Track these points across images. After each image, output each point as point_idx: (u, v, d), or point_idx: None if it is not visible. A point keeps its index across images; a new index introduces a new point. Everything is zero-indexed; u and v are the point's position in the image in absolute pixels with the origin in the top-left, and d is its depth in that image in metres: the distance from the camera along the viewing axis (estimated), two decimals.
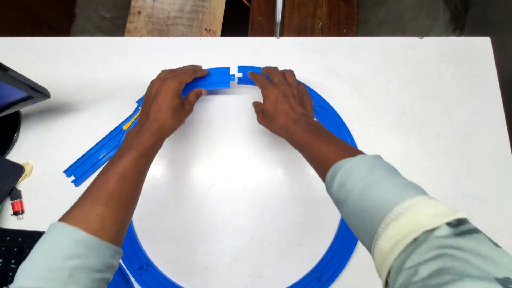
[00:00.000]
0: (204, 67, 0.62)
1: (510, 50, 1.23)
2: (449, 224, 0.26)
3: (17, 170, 0.57)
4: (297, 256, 0.54)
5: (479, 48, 0.62)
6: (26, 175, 0.58)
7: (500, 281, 0.21)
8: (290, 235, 0.55)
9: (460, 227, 0.26)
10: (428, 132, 0.59)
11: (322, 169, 0.40)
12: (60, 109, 0.61)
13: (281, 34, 1.05)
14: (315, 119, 0.49)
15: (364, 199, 0.32)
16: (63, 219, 0.36)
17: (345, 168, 0.35)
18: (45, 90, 0.52)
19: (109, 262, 0.36)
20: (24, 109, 0.61)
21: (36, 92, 0.50)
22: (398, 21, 1.59)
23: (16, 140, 0.60)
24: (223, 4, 1.03)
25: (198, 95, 0.56)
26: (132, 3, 1.06)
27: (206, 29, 1.02)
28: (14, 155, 0.59)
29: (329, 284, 0.52)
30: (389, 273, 0.28)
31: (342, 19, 1.06)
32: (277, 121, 0.48)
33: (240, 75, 0.61)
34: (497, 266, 0.22)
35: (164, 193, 0.57)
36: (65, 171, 0.58)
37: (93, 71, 0.63)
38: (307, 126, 0.45)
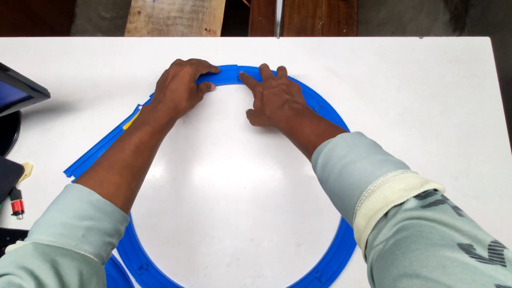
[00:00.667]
0: None
1: (510, 50, 1.23)
2: (416, 196, 0.27)
3: (17, 170, 0.57)
4: (297, 256, 0.54)
5: (479, 48, 0.62)
6: (26, 175, 0.58)
7: (463, 246, 0.22)
8: (290, 235, 0.55)
9: (427, 199, 0.27)
10: (428, 132, 0.59)
11: (308, 153, 0.40)
12: (60, 109, 0.61)
13: (281, 34, 1.05)
14: (303, 103, 0.49)
15: (342, 179, 0.33)
16: (79, 181, 0.37)
17: (326, 150, 0.36)
18: (45, 90, 0.52)
19: (118, 228, 0.37)
20: (24, 109, 0.61)
21: (36, 92, 0.50)
22: (398, 22, 1.59)
23: (16, 140, 0.60)
24: (223, 4, 1.03)
25: (208, 88, 0.60)
26: (132, 3, 1.06)
27: (206, 29, 1.02)
28: (14, 155, 0.59)
29: (330, 284, 0.52)
30: (366, 247, 0.30)
31: (342, 19, 1.06)
32: (265, 114, 0.49)
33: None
34: (460, 233, 0.23)
35: (164, 193, 0.57)
36: (65, 171, 0.58)
37: (93, 71, 0.63)
38: (291, 111, 0.46)
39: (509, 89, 0.70)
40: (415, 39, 0.63)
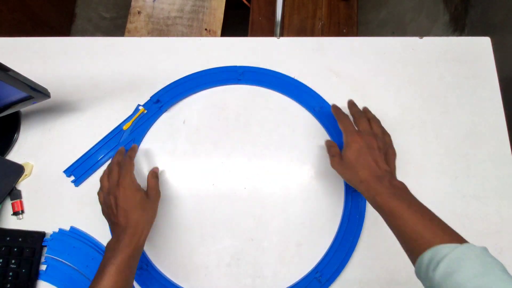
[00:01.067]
0: (204, 67, 0.62)
1: (510, 50, 1.23)
2: None
3: (17, 170, 0.57)
4: (297, 256, 0.54)
5: (479, 48, 0.62)
6: (26, 175, 0.58)
7: None
8: (290, 235, 0.55)
9: None
10: (428, 132, 0.59)
11: (415, 246, 0.37)
12: (60, 109, 0.61)
13: (281, 35, 1.05)
14: (398, 179, 0.45)
15: None
16: None
17: (452, 256, 0.33)
18: (45, 90, 0.52)
19: None
20: (24, 109, 0.61)
21: (36, 92, 0.50)
22: (398, 23, 1.59)
23: (16, 140, 0.60)
24: (223, 4, 1.03)
25: (156, 176, 0.54)
26: (132, 3, 1.06)
27: (206, 29, 1.02)
28: (14, 155, 0.59)
29: (329, 285, 0.52)
30: None
31: (342, 20, 1.06)
32: (357, 173, 0.45)
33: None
34: None
35: (164, 193, 0.57)
36: (64, 171, 0.58)
37: (93, 71, 0.63)
38: (392, 188, 0.42)
39: (509, 89, 0.70)
40: (415, 39, 0.63)
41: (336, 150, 0.51)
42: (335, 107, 0.55)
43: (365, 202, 0.55)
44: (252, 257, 0.54)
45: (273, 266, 0.54)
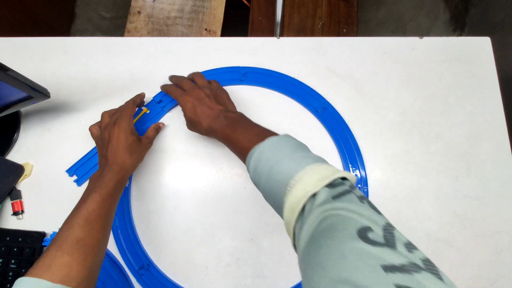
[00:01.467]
0: (204, 68, 0.62)
1: (510, 50, 1.23)
2: (328, 185, 0.30)
3: (17, 170, 0.57)
4: (297, 256, 0.54)
5: (479, 48, 0.62)
6: (26, 175, 0.58)
7: (361, 231, 0.25)
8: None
9: (337, 188, 0.30)
10: (428, 132, 0.59)
11: (243, 158, 0.41)
12: (60, 109, 0.61)
13: (281, 34, 1.05)
14: (237, 111, 0.50)
15: (271, 179, 0.35)
16: (27, 273, 0.35)
17: (256, 153, 0.37)
18: (45, 90, 0.52)
19: None
20: (24, 109, 0.61)
21: (36, 92, 0.50)
22: (398, 21, 1.59)
23: (16, 140, 0.60)
24: (223, 4, 1.03)
25: (158, 130, 0.57)
26: (132, 3, 1.06)
27: (206, 29, 1.02)
28: (14, 155, 0.59)
29: None
30: (294, 238, 0.33)
31: (342, 19, 1.06)
32: (201, 125, 0.49)
33: None
34: (361, 218, 0.26)
35: (164, 193, 0.57)
36: (67, 171, 0.58)
37: (93, 71, 0.63)
38: (226, 120, 0.47)
39: (509, 89, 0.70)
40: (415, 39, 0.63)
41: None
42: (163, 87, 0.58)
43: None
44: (252, 257, 0.54)
45: (273, 266, 0.54)
